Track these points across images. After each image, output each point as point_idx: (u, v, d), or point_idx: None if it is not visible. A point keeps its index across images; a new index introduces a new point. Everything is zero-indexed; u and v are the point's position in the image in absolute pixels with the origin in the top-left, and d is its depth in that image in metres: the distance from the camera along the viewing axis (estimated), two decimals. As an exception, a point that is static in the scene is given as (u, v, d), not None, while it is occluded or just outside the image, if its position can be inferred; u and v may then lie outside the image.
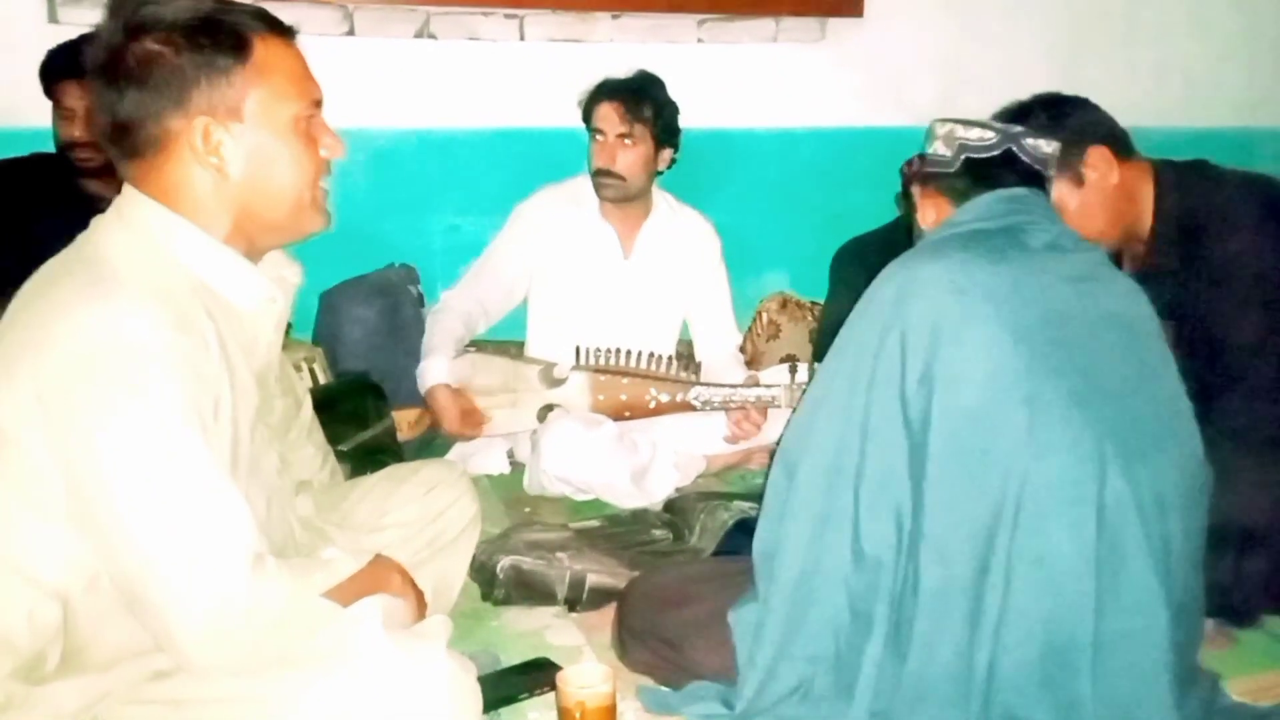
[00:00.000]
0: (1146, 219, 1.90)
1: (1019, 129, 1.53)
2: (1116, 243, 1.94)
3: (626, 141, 2.55)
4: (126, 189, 1.28)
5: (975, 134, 1.51)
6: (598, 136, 2.58)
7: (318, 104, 1.32)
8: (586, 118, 2.62)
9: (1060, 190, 1.81)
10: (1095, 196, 1.87)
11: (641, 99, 2.57)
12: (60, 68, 2.33)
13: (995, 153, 1.50)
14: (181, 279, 1.24)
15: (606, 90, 2.59)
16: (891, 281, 1.44)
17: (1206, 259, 1.81)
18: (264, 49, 1.26)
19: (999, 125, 1.54)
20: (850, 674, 1.45)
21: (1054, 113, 1.86)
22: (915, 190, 1.61)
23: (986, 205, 1.49)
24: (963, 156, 1.51)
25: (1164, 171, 1.90)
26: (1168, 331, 1.76)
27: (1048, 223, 1.50)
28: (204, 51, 1.22)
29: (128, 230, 1.25)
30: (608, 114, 2.56)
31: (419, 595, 1.44)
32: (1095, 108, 1.92)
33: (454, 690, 1.21)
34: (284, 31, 1.30)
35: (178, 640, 1.16)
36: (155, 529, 1.14)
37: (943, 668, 1.40)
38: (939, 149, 1.54)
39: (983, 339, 1.38)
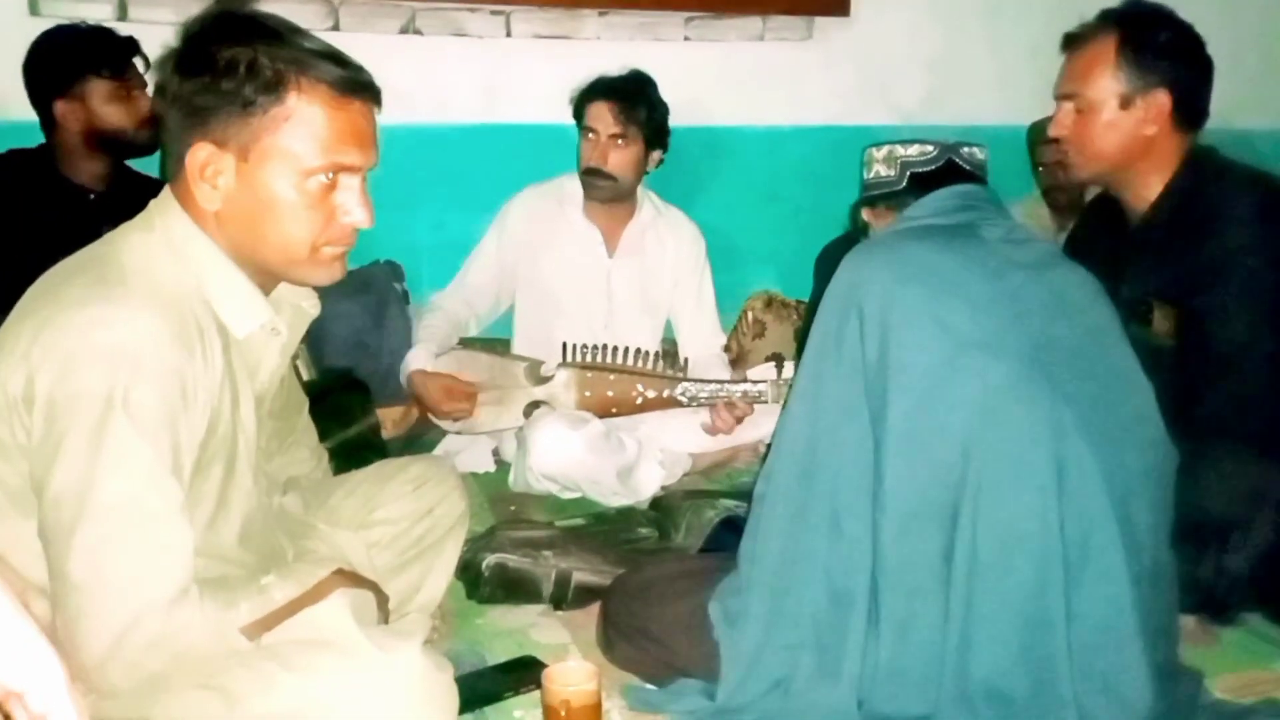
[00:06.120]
0: (1154, 186, 1.88)
1: (954, 141, 1.61)
2: (1099, 178, 1.95)
3: (619, 142, 2.55)
4: (163, 194, 1.28)
5: (915, 150, 1.60)
6: (589, 135, 2.57)
7: (349, 169, 1.26)
8: (578, 114, 2.61)
9: (1104, 93, 1.85)
10: (1122, 128, 1.86)
11: (636, 100, 2.56)
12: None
13: (938, 164, 1.58)
14: (195, 290, 1.23)
15: (601, 89, 2.57)
16: (847, 271, 1.49)
17: (1201, 248, 1.80)
18: (299, 100, 1.21)
19: (934, 140, 1.61)
20: (834, 658, 1.46)
21: (1171, 38, 1.84)
22: (865, 213, 1.68)
23: (939, 200, 1.55)
24: (907, 173, 1.59)
25: (1195, 157, 1.88)
26: (1165, 318, 1.80)
27: (1000, 217, 1.56)
28: (236, 82, 1.20)
29: (148, 234, 1.25)
30: (601, 113, 2.55)
31: (383, 600, 1.41)
32: (1208, 72, 1.87)
33: (428, 687, 1.19)
34: (351, 90, 1.24)
35: (81, 655, 1.13)
36: (90, 542, 1.12)
37: (916, 645, 1.41)
38: (881, 171, 1.62)
39: (934, 319, 1.41)
